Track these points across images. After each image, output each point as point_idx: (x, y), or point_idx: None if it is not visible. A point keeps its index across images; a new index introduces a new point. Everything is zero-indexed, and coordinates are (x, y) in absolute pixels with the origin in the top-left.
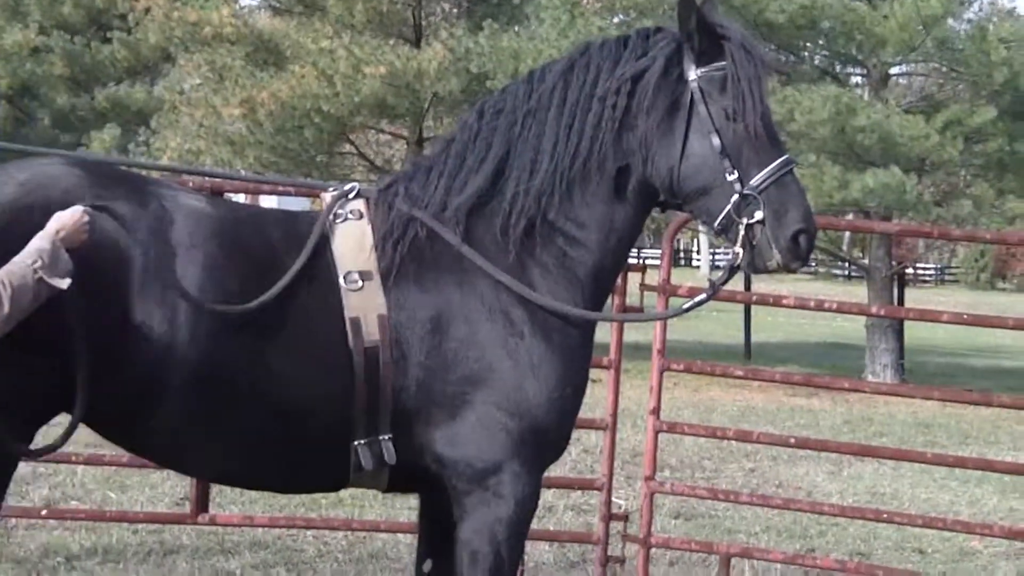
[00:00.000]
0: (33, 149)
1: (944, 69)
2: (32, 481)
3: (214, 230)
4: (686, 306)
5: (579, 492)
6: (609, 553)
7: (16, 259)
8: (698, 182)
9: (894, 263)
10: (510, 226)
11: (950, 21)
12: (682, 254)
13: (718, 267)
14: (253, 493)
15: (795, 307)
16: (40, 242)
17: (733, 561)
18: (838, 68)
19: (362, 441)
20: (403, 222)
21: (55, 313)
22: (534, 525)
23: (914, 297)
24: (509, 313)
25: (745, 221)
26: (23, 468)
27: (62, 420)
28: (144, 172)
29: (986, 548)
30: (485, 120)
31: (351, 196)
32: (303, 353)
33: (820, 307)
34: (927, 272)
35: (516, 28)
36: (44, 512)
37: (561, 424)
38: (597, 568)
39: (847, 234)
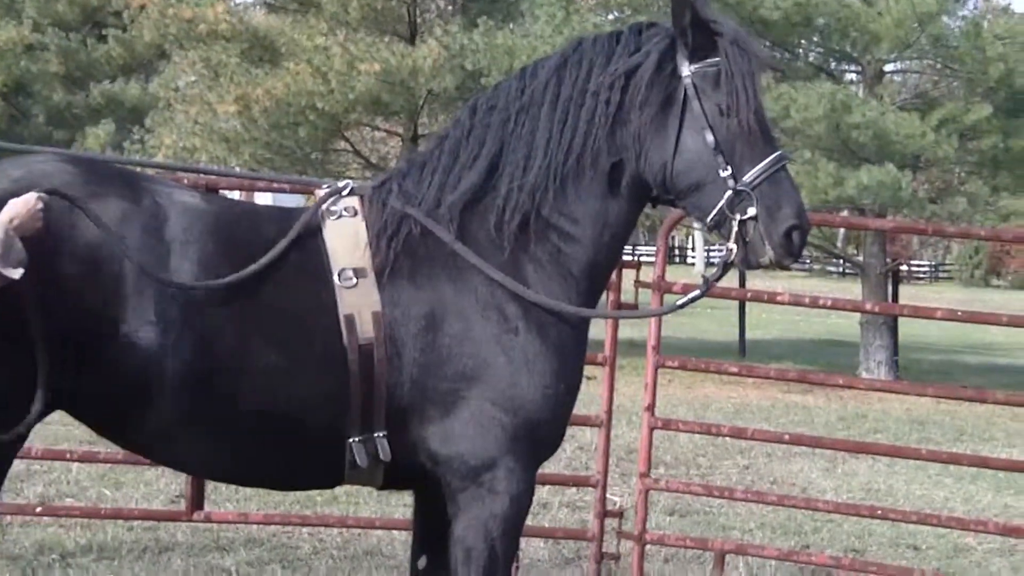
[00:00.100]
0: (27, 148)
1: (938, 66)
2: (27, 478)
3: (209, 226)
4: (680, 302)
5: (574, 489)
6: (604, 550)
7: None
8: (691, 178)
9: (888, 260)
10: (504, 222)
11: (944, 18)
12: (677, 251)
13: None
14: (248, 490)
15: (790, 304)
16: None
17: (728, 558)
18: (833, 65)
19: (357, 438)
20: (397, 219)
21: (16, 305)
22: (529, 522)
23: (908, 294)
24: (503, 309)
25: (738, 217)
26: (18, 465)
27: (59, 418)
28: (138, 169)
29: (980, 545)
30: (478, 117)
31: (345, 193)
32: (298, 350)
33: (815, 304)
34: (921, 269)
35: (511, 25)
36: (39, 509)
37: (555, 420)
38: (592, 565)
39: (841, 231)
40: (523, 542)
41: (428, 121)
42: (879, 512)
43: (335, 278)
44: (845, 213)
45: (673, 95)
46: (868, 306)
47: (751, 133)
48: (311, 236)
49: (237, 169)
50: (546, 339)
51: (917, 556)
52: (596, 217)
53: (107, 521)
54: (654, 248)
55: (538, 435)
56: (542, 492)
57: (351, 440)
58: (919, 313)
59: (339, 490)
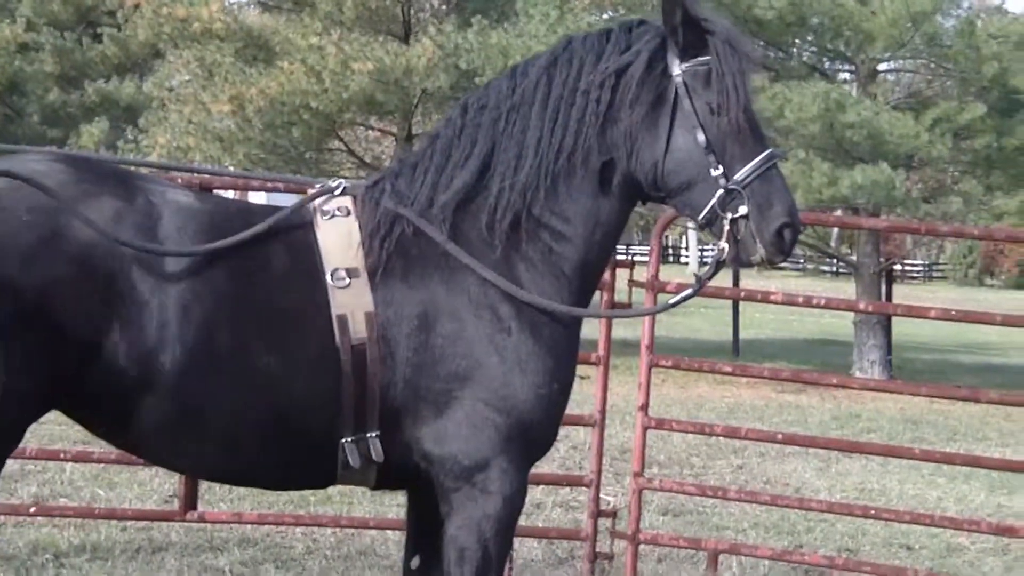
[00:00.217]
0: (20, 148)
1: (932, 65)
2: (20, 478)
3: (203, 226)
4: (672, 301)
5: (567, 489)
6: (597, 549)
7: None
8: (682, 177)
9: (882, 259)
10: (496, 221)
11: (938, 17)
12: (670, 250)
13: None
14: (241, 490)
15: (783, 303)
16: None
17: (721, 557)
18: (826, 64)
19: (349, 439)
20: (390, 219)
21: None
22: (523, 522)
23: (902, 293)
24: (496, 309)
25: (729, 216)
26: (12, 465)
27: (53, 418)
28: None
29: (973, 544)
30: (469, 116)
31: (337, 192)
32: (291, 350)
33: (808, 303)
34: (915, 268)
35: (505, 24)
36: (33, 509)
37: (548, 420)
38: (585, 564)
39: (835, 230)
40: (517, 542)
41: (422, 120)
42: (872, 512)
43: (328, 278)
44: (839, 212)
45: (664, 94)
46: (862, 305)
47: (742, 131)
48: (304, 236)
49: (231, 169)
50: (539, 339)
51: (910, 556)
52: (587, 216)
53: (101, 521)
54: (648, 247)
55: (531, 435)
56: (536, 492)
57: (344, 440)
58: (913, 312)
59: (333, 490)
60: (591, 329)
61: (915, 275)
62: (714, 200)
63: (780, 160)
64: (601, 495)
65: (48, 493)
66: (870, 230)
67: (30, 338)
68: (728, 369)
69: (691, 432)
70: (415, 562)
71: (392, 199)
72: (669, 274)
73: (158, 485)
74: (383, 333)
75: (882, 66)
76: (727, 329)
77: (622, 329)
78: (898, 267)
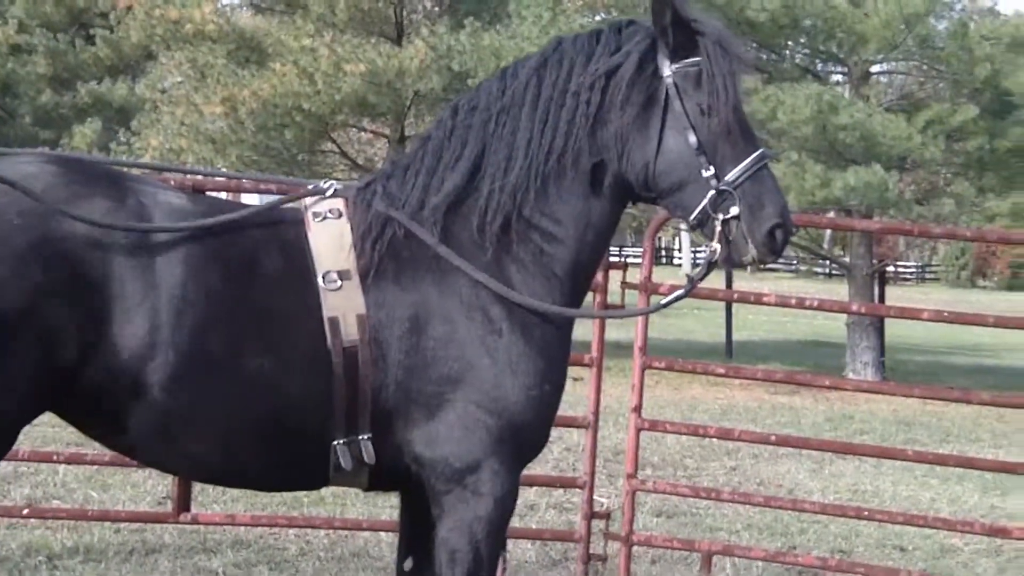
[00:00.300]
0: (11, 151)
1: (924, 67)
2: (14, 480)
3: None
4: (664, 302)
5: (561, 490)
6: (591, 551)
7: None
8: (673, 178)
9: (875, 261)
10: (486, 223)
11: (931, 19)
12: (663, 252)
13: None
14: (235, 492)
15: (776, 305)
16: None
17: (714, 559)
18: (819, 66)
19: (341, 441)
20: (381, 221)
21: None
22: (516, 523)
23: (895, 295)
24: (487, 311)
25: (721, 217)
26: (5, 467)
27: (46, 420)
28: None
29: (967, 545)
30: (460, 118)
31: (328, 194)
32: (283, 353)
33: (801, 305)
34: (908, 270)
35: (498, 26)
36: (26, 511)
37: (540, 422)
38: (579, 566)
39: (828, 232)
40: (510, 543)
41: (415, 122)
42: (866, 513)
43: (319, 280)
44: (831, 214)
45: (655, 95)
46: (855, 307)
47: (732, 132)
48: (296, 238)
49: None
50: (530, 340)
51: (904, 557)
52: (579, 217)
53: (94, 523)
54: (641, 249)
55: (522, 437)
56: (529, 493)
57: (335, 442)
58: (905, 314)
59: (326, 491)
60: (584, 331)
61: (908, 277)
62: (705, 201)
63: (771, 160)
64: (595, 497)
65: (41, 495)
66: (863, 232)
67: (23, 341)
68: (721, 371)
69: (684, 434)
70: (408, 563)
71: (383, 201)
72: (662, 276)
73: (151, 487)
74: (375, 335)
75: (875, 68)
76: (720, 331)
77: (615, 331)
78: (891, 269)
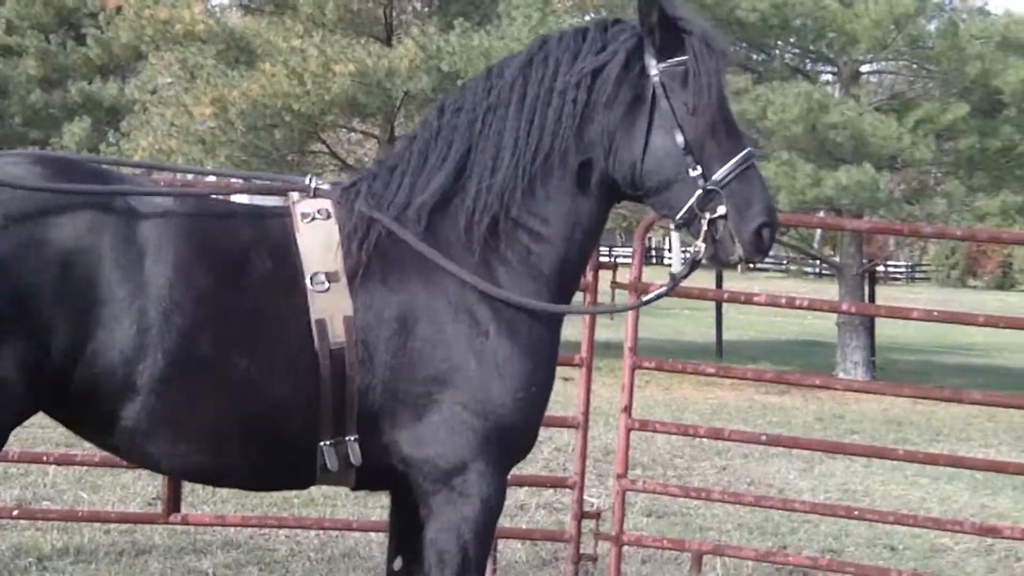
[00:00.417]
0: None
1: (914, 66)
2: (3, 481)
3: (183, 227)
4: (645, 299)
5: (551, 490)
6: (581, 551)
7: None
8: (660, 177)
9: (865, 261)
10: (473, 223)
11: (921, 19)
12: (653, 252)
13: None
14: (225, 492)
15: (766, 305)
16: None
17: (705, 559)
18: (808, 66)
19: (328, 442)
20: (365, 222)
21: None
22: (507, 524)
23: (885, 294)
24: (474, 312)
25: (707, 216)
26: None
27: (36, 421)
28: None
29: (957, 545)
30: (446, 118)
31: (311, 190)
32: (270, 354)
33: (791, 304)
34: (898, 270)
35: (487, 27)
36: (16, 512)
37: (527, 423)
38: (569, 566)
39: (818, 232)
40: (500, 543)
41: (405, 122)
42: (856, 513)
43: (307, 282)
44: (821, 214)
45: (642, 94)
46: (845, 307)
47: (719, 131)
48: (285, 239)
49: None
50: (517, 342)
51: (894, 556)
52: (566, 216)
53: (84, 524)
54: (631, 249)
55: (510, 438)
56: (520, 493)
57: (322, 443)
58: (896, 313)
59: (316, 492)
60: (574, 331)
61: (898, 276)
62: (692, 200)
63: (758, 159)
64: (585, 497)
65: (31, 496)
66: (853, 231)
67: (11, 344)
68: (711, 370)
69: (675, 433)
70: (397, 563)
71: (367, 202)
72: (652, 276)
73: (141, 488)
74: (362, 337)
75: (864, 68)
76: (710, 331)
77: (605, 331)
78: (881, 268)
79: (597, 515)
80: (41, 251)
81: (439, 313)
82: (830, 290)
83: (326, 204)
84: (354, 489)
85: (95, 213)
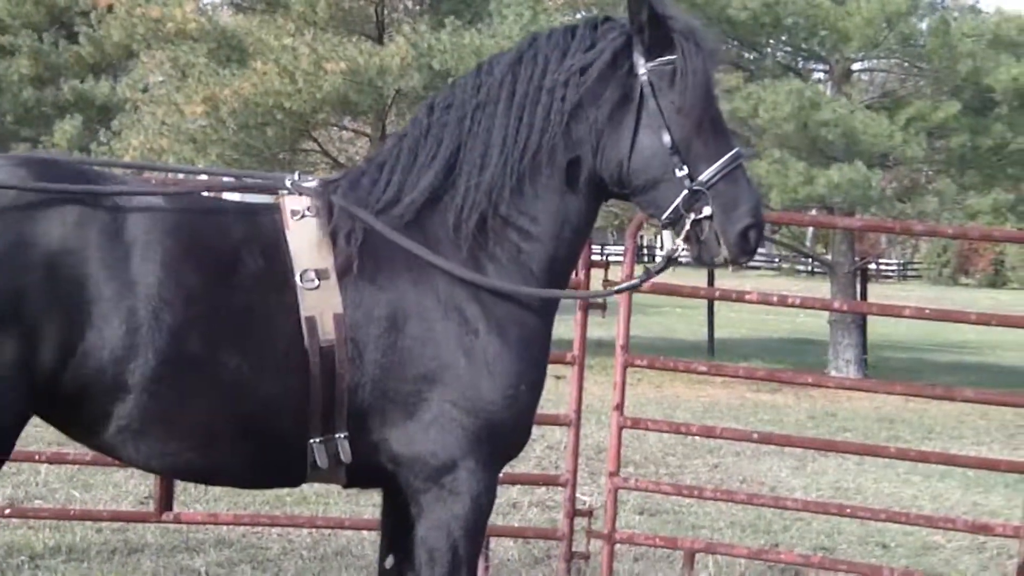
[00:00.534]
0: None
1: (906, 64)
2: None
3: (171, 226)
4: (617, 288)
5: (543, 488)
6: (574, 549)
7: None
8: (647, 176)
9: (857, 258)
10: (462, 221)
11: (912, 18)
12: (645, 250)
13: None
14: (217, 491)
15: (758, 303)
16: None
17: (697, 556)
18: (800, 64)
19: (318, 439)
20: (350, 219)
21: None
22: (499, 522)
23: (877, 292)
24: (464, 310)
25: (693, 216)
26: None
27: (32, 419)
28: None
29: (949, 542)
30: (435, 116)
31: (288, 187)
32: (260, 352)
33: (783, 302)
34: (890, 268)
35: (479, 25)
36: (8, 511)
37: (518, 420)
38: (562, 564)
39: (810, 230)
40: (493, 541)
41: (396, 121)
42: (848, 510)
43: (297, 279)
44: (813, 212)
45: (629, 93)
46: (837, 304)
47: (706, 131)
48: (275, 236)
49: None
50: (507, 339)
51: (886, 554)
52: (555, 214)
53: (76, 522)
54: (622, 247)
55: (500, 436)
56: (512, 491)
57: (312, 441)
58: (887, 311)
59: (308, 490)
60: (566, 329)
61: (890, 274)
62: (678, 200)
63: (748, 159)
64: (577, 495)
65: (23, 495)
66: (845, 229)
67: (4, 345)
68: (703, 368)
69: (666, 431)
70: (389, 561)
71: (349, 198)
72: None
73: (133, 486)
74: (352, 335)
75: (856, 66)
76: (702, 329)
77: (597, 328)
78: (873, 266)
79: (589, 513)
80: (27, 252)
81: (429, 311)
82: (822, 288)
83: (316, 201)
84: (346, 487)
85: (81, 213)
